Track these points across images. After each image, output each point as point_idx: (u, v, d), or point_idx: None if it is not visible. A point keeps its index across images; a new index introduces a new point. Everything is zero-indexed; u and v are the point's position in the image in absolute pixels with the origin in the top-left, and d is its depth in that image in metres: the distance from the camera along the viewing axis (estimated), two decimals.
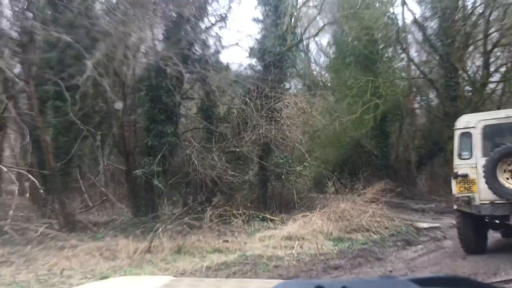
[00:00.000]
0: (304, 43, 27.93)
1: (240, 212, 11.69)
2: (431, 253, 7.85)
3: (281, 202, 15.62)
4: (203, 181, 11.23)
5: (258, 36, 14.67)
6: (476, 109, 17.14)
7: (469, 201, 7.23)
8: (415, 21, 17.84)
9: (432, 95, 21.07)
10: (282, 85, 14.68)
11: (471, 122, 7.50)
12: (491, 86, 18.57)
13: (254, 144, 14.70)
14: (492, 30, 16.47)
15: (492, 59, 17.42)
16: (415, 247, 8.35)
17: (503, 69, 18.39)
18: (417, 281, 1.20)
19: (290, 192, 17.00)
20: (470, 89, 17.97)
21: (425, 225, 10.71)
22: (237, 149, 12.24)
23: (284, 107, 13.59)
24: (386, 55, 20.95)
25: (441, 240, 9.08)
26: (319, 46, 27.89)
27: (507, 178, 6.94)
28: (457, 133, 7.77)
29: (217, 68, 13.44)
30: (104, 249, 8.22)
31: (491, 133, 7.51)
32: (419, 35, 19.36)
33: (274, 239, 8.66)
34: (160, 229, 8.37)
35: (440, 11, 17.42)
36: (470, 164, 7.36)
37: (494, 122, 7.47)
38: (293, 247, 7.87)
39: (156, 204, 11.11)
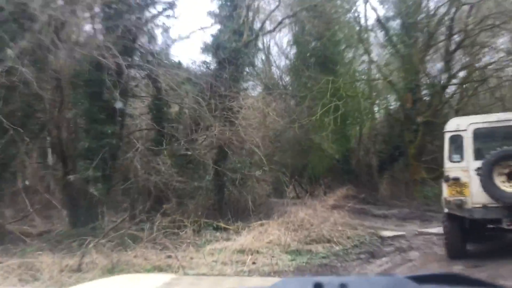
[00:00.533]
0: (265, 43, 27.34)
1: (191, 221, 10.65)
2: (398, 267, 7.11)
3: (238, 209, 14.70)
4: (147, 188, 10.16)
5: (214, 31, 13.75)
6: (435, 112, 16.85)
7: (461, 205, 7.19)
8: (378, 20, 17.36)
9: (392, 98, 20.70)
10: (239, 84, 13.76)
11: (462, 125, 7.48)
12: (452, 89, 18.33)
13: (208, 147, 13.73)
14: (455, 31, 16.12)
15: (454, 62, 17.13)
16: (380, 260, 7.59)
17: (461, 74, 18.20)
18: (416, 278, 1.19)
19: (247, 199, 16.15)
20: (430, 92, 17.63)
21: (389, 233, 10.03)
22: (188, 153, 11.19)
23: (241, 108, 12.68)
24: (347, 56, 20.48)
25: (407, 251, 8.38)
26: (280, 49, 27.22)
27: (503, 181, 6.94)
28: (447, 136, 7.67)
29: (168, 64, 12.38)
30: (25, 268, 7.01)
31: (482, 136, 7.50)
32: (381, 36, 18.99)
33: (225, 252, 7.69)
34: (92, 244, 7.23)
35: (403, 11, 17.04)
36: (462, 167, 7.37)
37: (485, 125, 7.51)
38: (245, 263, 6.93)
39: (96, 214, 9.90)
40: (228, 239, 9.37)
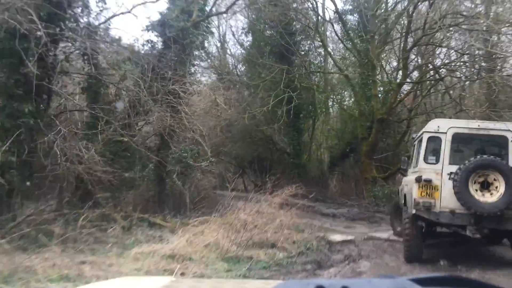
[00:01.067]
0: (220, 31, 26.25)
1: (121, 215, 9.53)
2: None
3: (180, 203, 13.68)
4: (73, 177, 8.94)
5: (162, 8, 12.54)
6: (391, 110, 16.44)
7: (429, 207, 7.10)
8: (336, 12, 16.70)
9: (347, 93, 20.22)
10: (185, 67, 12.61)
11: (442, 128, 7.40)
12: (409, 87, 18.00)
13: (149, 134, 12.59)
14: (413, 29, 15.70)
15: (410, 60, 16.77)
16: (327, 271, 6.83)
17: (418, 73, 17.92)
18: (417, 280, 1.21)
19: (191, 192, 15.16)
20: (386, 89, 17.23)
21: (337, 238, 9.35)
22: (124, 139, 10.01)
23: (185, 93, 11.59)
24: (303, 48, 19.76)
25: (356, 260, 7.69)
26: (235, 36, 26.18)
27: (476, 190, 6.91)
28: (425, 136, 7.56)
29: (105, 39, 11.09)
30: None
31: (460, 142, 7.53)
32: (339, 29, 18.40)
33: (153, 258, 6.67)
34: None
35: (361, 4, 16.48)
36: (436, 169, 7.30)
37: (465, 131, 7.45)
38: (173, 272, 5.95)
39: (8, 205, 8.55)
40: (161, 240, 8.35)
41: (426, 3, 14.70)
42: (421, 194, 7.21)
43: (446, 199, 7.13)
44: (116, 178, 9.52)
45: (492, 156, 7.02)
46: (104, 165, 8.72)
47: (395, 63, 19.02)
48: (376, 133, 15.90)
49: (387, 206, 12.23)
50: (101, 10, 10.46)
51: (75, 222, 8.40)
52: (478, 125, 7.51)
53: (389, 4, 16.80)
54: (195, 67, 13.96)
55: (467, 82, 17.50)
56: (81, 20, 10.00)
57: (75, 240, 7.89)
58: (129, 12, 11.28)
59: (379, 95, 17.76)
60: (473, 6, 14.57)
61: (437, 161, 7.36)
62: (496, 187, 6.94)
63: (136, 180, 12.73)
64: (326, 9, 18.46)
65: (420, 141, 8.02)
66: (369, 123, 16.65)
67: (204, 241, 7.68)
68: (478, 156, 7.01)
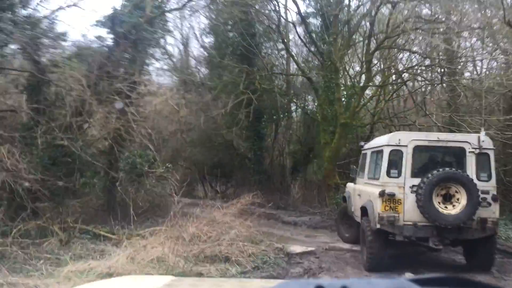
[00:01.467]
0: (183, 34, 25.44)
1: (60, 227, 8.61)
2: None
3: (132, 212, 12.81)
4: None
5: (116, 3, 11.68)
6: (354, 114, 16.08)
7: (393, 222, 7.10)
8: (298, 13, 16.24)
9: (310, 96, 19.79)
10: (139, 67, 11.79)
11: (403, 140, 7.37)
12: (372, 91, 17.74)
13: (95, 138, 11.68)
14: (376, 32, 15.43)
15: (373, 63, 16.46)
16: None
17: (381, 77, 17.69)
18: (417, 281, 1.21)
19: (144, 199, 14.31)
20: (349, 93, 16.87)
21: (297, 249, 8.71)
22: (64, 143, 9.08)
23: (136, 94, 10.78)
24: (265, 50, 19.23)
25: (316, 273, 7.09)
26: (198, 39, 25.41)
27: (439, 203, 6.97)
28: (387, 150, 7.50)
29: (49, 34, 10.16)
30: None
31: (421, 154, 7.61)
32: (302, 32, 17.94)
33: (87, 276, 5.84)
34: None
35: (324, 6, 16.08)
36: (398, 183, 7.27)
37: (425, 143, 7.48)
38: None
39: None
40: (102, 254, 7.50)
41: (389, 6, 14.48)
42: (384, 208, 7.15)
43: (409, 212, 7.15)
44: (53, 187, 8.61)
45: (453, 169, 7.14)
46: (36, 173, 7.78)
47: (358, 67, 18.74)
48: (339, 138, 15.47)
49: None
50: (41, 0, 9.52)
51: (2, 237, 7.45)
52: (438, 137, 7.61)
53: (352, 7, 16.46)
54: (150, 67, 13.11)
55: (430, 87, 17.45)
56: (19, 11, 9.04)
57: (2, 256, 6.96)
58: (74, 5, 10.42)
59: (343, 99, 17.44)
60: (433, 11, 14.40)
61: (399, 174, 7.31)
62: (458, 199, 7.06)
63: (86, 187, 11.83)
64: (288, 10, 17.95)
65: (377, 152, 8.03)
66: (332, 128, 16.23)
67: (149, 255, 6.91)
68: (441, 169, 7.04)
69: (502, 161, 12.30)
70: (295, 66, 18.50)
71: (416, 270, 7.26)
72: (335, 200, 14.20)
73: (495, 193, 7.33)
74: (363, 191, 8.46)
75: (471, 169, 7.29)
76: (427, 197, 6.89)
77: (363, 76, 16.57)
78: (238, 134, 20.15)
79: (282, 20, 17.82)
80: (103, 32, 11.24)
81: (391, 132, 18.12)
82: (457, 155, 7.62)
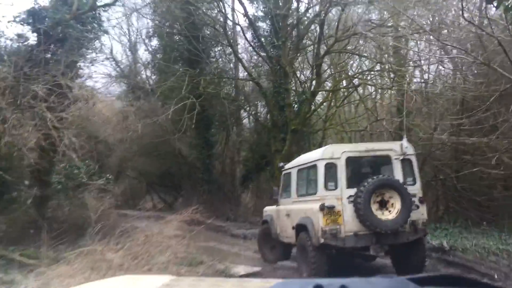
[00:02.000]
0: (131, 40, 24.28)
1: None
2: None
3: (67, 228, 11.64)
4: None
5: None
6: (305, 120, 15.52)
7: (336, 234, 7.15)
8: (245, 15, 15.53)
9: (262, 103, 19.11)
10: (70, 70, 10.63)
11: (336, 153, 7.53)
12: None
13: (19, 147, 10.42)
14: (326, 35, 14.93)
15: (324, 68, 16.03)
16: None
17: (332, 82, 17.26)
18: (416, 280, 1.20)
19: (80, 215, 13.09)
20: (300, 98, 16.29)
21: (242, 270, 7.84)
22: None
23: (67, 100, 9.65)
24: (213, 54, 18.41)
25: None
26: (145, 43, 24.30)
27: (376, 209, 7.14)
28: (322, 163, 7.55)
29: None
30: None
31: (353, 165, 7.67)
32: (250, 36, 17.25)
33: None
34: None
35: (272, 9, 15.46)
36: (336, 195, 7.35)
37: (356, 154, 7.65)
38: None
39: None
40: (10, 285, 6.37)
41: (339, 9, 14.07)
42: (326, 222, 7.15)
43: (349, 222, 7.21)
44: None
45: (386, 175, 7.38)
46: None
47: (309, 72, 18.26)
48: (290, 145, 14.83)
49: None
50: None
51: None
52: (366, 147, 7.91)
53: (301, 10, 15.95)
54: (93, 72, 11.98)
55: (380, 92, 17.19)
56: None
57: None
58: None
59: (294, 104, 16.90)
60: (381, 15, 14.10)
61: (336, 186, 7.39)
62: (393, 204, 7.25)
63: (14, 202, 10.63)
64: (236, 12, 17.16)
65: (308, 168, 8.11)
66: (283, 135, 15.58)
67: (67, 283, 5.87)
68: (375, 177, 7.21)
69: (454, 167, 11.99)
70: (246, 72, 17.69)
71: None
72: None
73: (421, 195, 7.69)
74: (294, 209, 8.34)
75: (398, 174, 7.57)
76: (366, 205, 7.03)
77: (314, 82, 16.06)
78: (186, 142, 19.20)
79: (230, 22, 17.12)
80: (25, 29, 10.04)
81: (342, 138, 17.94)
82: (385, 162, 7.83)
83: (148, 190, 24.45)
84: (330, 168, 7.47)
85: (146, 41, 20.71)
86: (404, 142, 7.87)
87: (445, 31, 12.10)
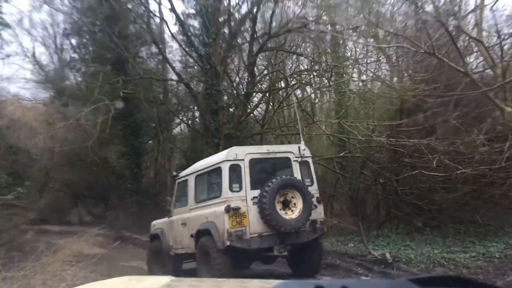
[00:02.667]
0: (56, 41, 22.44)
1: None
2: None
3: None
4: None
5: None
6: (239, 124, 14.46)
7: (241, 236, 7.16)
8: (172, 10, 14.26)
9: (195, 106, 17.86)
10: None
11: (240, 155, 7.59)
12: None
13: None
14: (260, 33, 13.93)
15: (260, 68, 15.04)
16: None
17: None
18: (417, 281, 1.19)
19: None
20: (233, 101, 15.23)
21: None
22: None
23: None
24: (140, 54, 16.99)
25: None
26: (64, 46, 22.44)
27: (280, 209, 7.33)
28: (227, 165, 7.55)
29: None
30: None
31: (256, 166, 7.76)
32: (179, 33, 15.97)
33: None
34: None
35: (201, 4, 14.31)
36: (240, 196, 7.39)
37: (258, 156, 7.76)
38: None
39: None
40: None
41: (271, 4, 13.13)
42: (232, 223, 7.16)
43: (254, 224, 7.28)
44: None
45: (288, 176, 7.58)
46: None
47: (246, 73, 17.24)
48: (224, 151, 13.67)
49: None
50: None
51: None
52: (268, 150, 8.02)
53: (232, 4, 14.89)
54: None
55: (319, 94, 16.49)
56: None
57: None
58: None
59: (230, 108, 15.83)
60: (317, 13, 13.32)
61: (241, 188, 7.42)
62: (295, 204, 7.48)
63: None
64: (161, 5, 15.73)
65: (210, 171, 8.08)
66: (217, 140, 14.43)
67: None
68: (278, 177, 7.39)
69: (394, 170, 11.33)
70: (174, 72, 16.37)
71: None
72: None
73: (318, 195, 7.97)
74: (193, 217, 8.27)
75: (297, 176, 7.79)
76: (271, 205, 7.16)
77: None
78: (115, 150, 17.63)
79: (157, 19, 15.77)
80: None
81: (282, 142, 17.04)
82: (285, 164, 8.02)
83: (75, 203, 22.45)
84: (235, 170, 7.51)
85: (64, 39, 18.81)
86: (302, 145, 8.18)
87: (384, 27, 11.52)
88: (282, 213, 7.33)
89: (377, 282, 1.34)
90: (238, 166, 7.52)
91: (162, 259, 9.34)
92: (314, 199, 7.70)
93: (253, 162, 7.69)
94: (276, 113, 16.53)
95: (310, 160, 8.21)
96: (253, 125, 17.33)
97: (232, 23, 14.52)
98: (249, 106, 15.56)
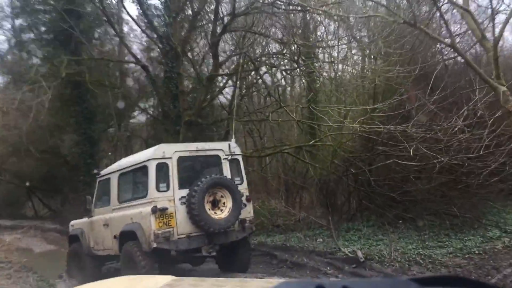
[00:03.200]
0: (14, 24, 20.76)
1: None
2: None
3: None
4: None
5: None
6: (201, 110, 13.38)
7: (169, 237, 6.88)
8: None
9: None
10: None
11: (168, 153, 7.29)
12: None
13: None
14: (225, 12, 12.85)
15: (225, 49, 13.93)
16: None
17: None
18: (418, 280, 1.19)
19: None
20: (195, 84, 14.11)
21: None
22: None
23: None
24: (95, 34, 15.65)
25: None
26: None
27: (209, 209, 7.21)
28: (153, 164, 7.18)
29: None
30: None
31: (184, 165, 7.50)
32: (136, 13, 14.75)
33: None
34: None
35: None
36: (168, 196, 7.09)
37: (187, 154, 7.51)
38: None
39: None
40: None
41: None
42: (159, 225, 6.85)
43: (181, 224, 7.05)
44: None
45: (218, 175, 7.35)
46: None
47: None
48: (184, 139, 12.60)
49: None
50: None
51: None
52: (197, 147, 7.68)
53: None
54: None
55: (289, 79, 15.57)
56: None
57: None
58: None
59: (193, 94, 14.71)
60: None
61: (168, 187, 7.12)
62: (224, 203, 7.32)
63: None
64: None
65: (135, 170, 7.67)
66: (178, 127, 13.34)
67: None
68: (208, 176, 7.17)
69: (367, 160, 10.52)
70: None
71: None
72: None
73: (248, 194, 7.83)
74: (116, 217, 7.81)
75: (227, 174, 7.58)
76: (200, 205, 6.97)
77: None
78: (69, 139, 16.30)
79: None
80: None
81: (251, 130, 16.12)
82: (215, 162, 7.79)
83: (29, 196, 20.92)
84: (162, 168, 7.17)
85: (9, 20, 17.26)
86: (232, 142, 7.98)
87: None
88: (211, 213, 7.18)
89: (378, 281, 1.20)
90: (165, 164, 7.21)
91: (82, 261, 8.86)
92: (243, 198, 7.56)
93: (182, 160, 7.40)
94: (243, 99, 15.51)
95: (240, 158, 8.04)
96: (220, 112, 16.32)
97: (196, 3, 13.37)
98: (214, 92, 14.54)
